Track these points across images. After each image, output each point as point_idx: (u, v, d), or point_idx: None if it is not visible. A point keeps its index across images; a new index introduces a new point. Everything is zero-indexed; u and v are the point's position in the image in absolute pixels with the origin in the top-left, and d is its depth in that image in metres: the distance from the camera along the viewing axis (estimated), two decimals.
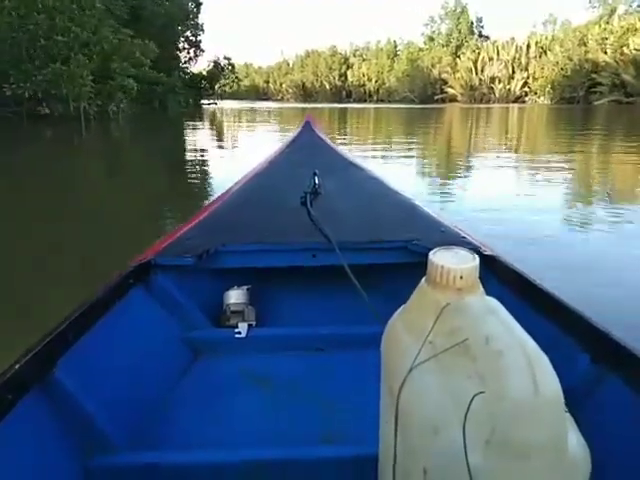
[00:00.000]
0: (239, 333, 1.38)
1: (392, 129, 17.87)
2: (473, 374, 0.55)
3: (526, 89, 55.03)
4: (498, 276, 1.28)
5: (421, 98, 62.19)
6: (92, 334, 1.06)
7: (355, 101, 69.86)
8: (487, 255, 1.37)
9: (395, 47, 73.10)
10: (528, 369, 0.51)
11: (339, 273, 1.35)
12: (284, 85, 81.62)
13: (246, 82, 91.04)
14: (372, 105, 50.13)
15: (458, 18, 65.21)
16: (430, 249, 0.65)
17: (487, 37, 66.94)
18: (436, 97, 61.79)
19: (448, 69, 61.23)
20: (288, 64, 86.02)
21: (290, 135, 2.37)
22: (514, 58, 55.98)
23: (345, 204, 1.72)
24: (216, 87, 40.53)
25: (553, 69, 49.11)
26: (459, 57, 61.51)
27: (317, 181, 1.76)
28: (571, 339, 0.98)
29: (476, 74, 58.53)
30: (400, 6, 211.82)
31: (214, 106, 39.53)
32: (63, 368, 0.94)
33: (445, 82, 61.97)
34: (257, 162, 2.22)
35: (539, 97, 53.05)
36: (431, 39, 68.56)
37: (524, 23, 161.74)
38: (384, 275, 1.56)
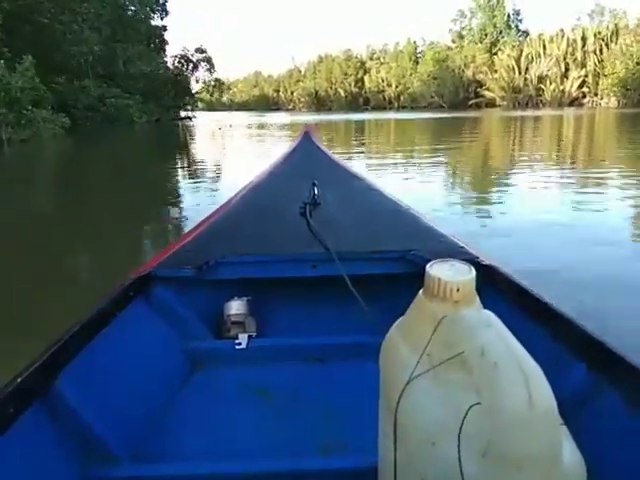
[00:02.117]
0: (239, 344, 1.37)
1: (425, 152, 11.33)
2: (469, 387, 0.56)
3: (584, 89, 45.74)
4: (496, 286, 1.27)
5: (451, 103, 54.08)
6: (93, 346, 1.07)
7: (374, 109, 63.15)
8: (485, 265, 1.37)
9: (416, 48, 65.10)
10: (523, 382, 0.52)
11: (339, 283, 1.35)
12: (295, 94, 77.04)
13: (255, 92, 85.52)
14: (393, 115, 40.28)
15: (493, 11, 56.67)
16: (428, 259, 0.67)
17: (525, 32, 57.92)
18: (470, 102, 52.85)
19: (484, 69, 52.43)
20: (300, 71, 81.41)
21: (289, 146, 2.32)
22: (566, 53, 46.81)
23: (344, 215, 1.71)
24: (190, 94, 35.65)
25: (627, 65, 39.71)
26: (496, 55, 52.58)
27: (316, 192, 1.73)
28: (568, 349, 0.98)
29: (519, 73, 49.68)
30: (419, 4, 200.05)
31: (198, 120, 34.64)
32: (65, 380, 0.94)
33: (481, 84, 53.30)
34: (257, 173, 2.18)
35: (601, 99, 43.73)
36: (460, 36, 60.21)
37: (561, 15, 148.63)
38: (383, 285, 1.51)
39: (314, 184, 1.75)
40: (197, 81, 35.68)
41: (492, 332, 0.58)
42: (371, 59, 71.68)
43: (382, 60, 69.75)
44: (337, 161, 2.16)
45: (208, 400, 1.23)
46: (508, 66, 51.29)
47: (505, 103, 51.27)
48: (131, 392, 1.11)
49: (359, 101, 68.95)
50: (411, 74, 63.63)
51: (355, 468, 0.90)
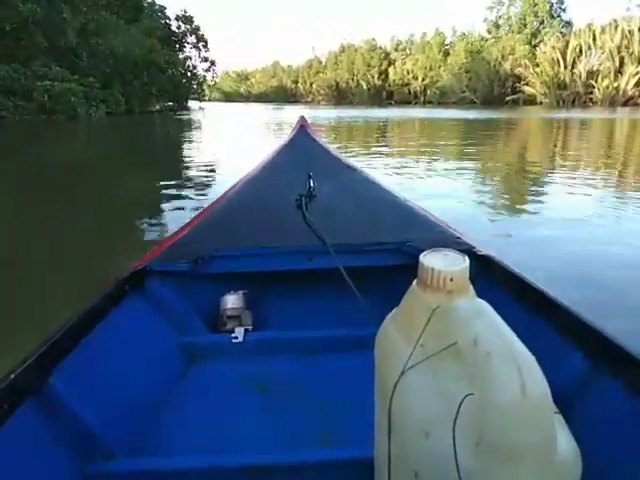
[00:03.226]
0: (236, 338, 1.37)
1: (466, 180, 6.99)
2: (463, 377, 0.56)
3: None
4: (492, 276, 1.27)
5: (484, 99, 49.42)
6: (88, 341, 1.06)
7: (397, 103, 58.71)
8: (481, 255, 1.36)
9: (444, 39, 60.33)
10: (515, 371, 0.51)
11: (335, 276, 1.35)
12: (315, 85, 72.71)
13: (273, 83, 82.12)
14: (420, 112, 32.91)
15: None
16: (423, 250, 0.66)
17: (569, 22, 52.60)
18: (507, 98, 47.91)
19: (524, 62, 47.33)
20: (320, 62, 76.86)
21: (284, 138, 2.25)
22: (620, 46, 41.59)
23: (340, 206, 1.69)
24: (182, 81, 30.14)
25: None
26: (537, 47, 47.48)
27: (312, 184, 1.71)
28: (564, 338, 0.97)
29: (565, 68, 44.52)
30: None
31: (204, 114, 28.37)
32: (60, 376, 0.94)
33: (519, 79, 48.24)
34: (252, 166, 2.12)
35: None
36: (497, 26, 54.94)
37: (606, 5, 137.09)
38: (379, 277, 1.50)
39: (310, 176, 1.72)
40: (187, 66, 29.44)
41: (485, 322, 0.57)
42: (396, 50, 67.81)
43: (408, 52, 65.93)
44: (333, 153, 2.11)
45: (205, 394, 1.24)
46: (552, 59, 46.29)
47: (548, 100, 46.38)
48: (127, 387, 1.11)
49: (382, 94, 65.36)
50: (440, 66, 59.13)
51: (352, 459, 0.90)
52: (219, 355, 1.35)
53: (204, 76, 35.71)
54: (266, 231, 1.59)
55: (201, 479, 0.94)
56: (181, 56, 33.19)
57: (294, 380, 1.26)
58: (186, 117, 26.87)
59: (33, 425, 0.87)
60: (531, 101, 47.94)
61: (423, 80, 61.29)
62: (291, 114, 25.51)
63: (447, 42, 62.38)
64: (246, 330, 1.40)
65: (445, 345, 0.58)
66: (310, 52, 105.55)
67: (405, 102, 60.31)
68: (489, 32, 56.96)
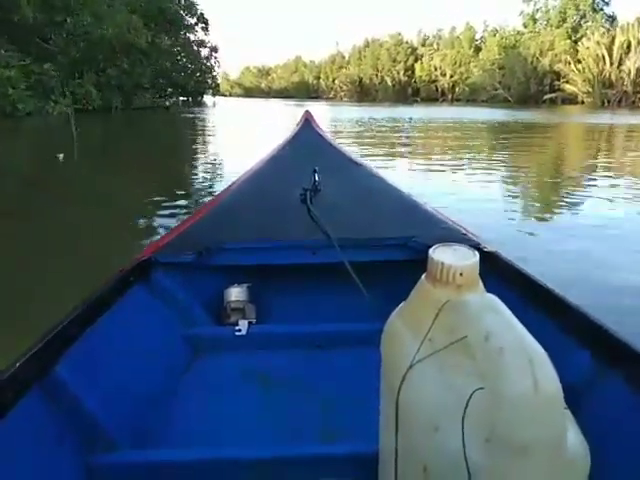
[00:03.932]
0: (239, 330, 1.37)
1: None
2: (472, 371, 0.56)
3: None
4: (498, 273, 1.24)
5: (519, 97, 46.07)
6: (93, 332, 1.06)
7: (423, 100, 55.44)
8: (487, 252, 1.35)
9: (474, 35, 57.42)
10: (528, 366, 0.51)
11: (339, 270, 1.34)
12: (337, 81, 69.83)
13: (295, 78, 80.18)
14: (448, 112, 28.63)
15: None
16: (430, 246, 0.66)
17: (612, 17, 49.01)
18: (545, 97, 44.76)
19: (565, 58, 44.03)
20: (343, 57, 73.73)
21: (290, 132, 2.23)
22: None
23: (345, 201, 1.68)
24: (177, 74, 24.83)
25: None
26: (578, 42, 44.18)
27: (317, 178, 1.69)
28: (571, 336, 0.97)
29: (611, 65, 41.08)
30: None
31: (212, 111, 23.14)
32: (64, 366, 0.94)
33: (559, 76, 44.90)
34: (257, 160, 2.11)
35: None
36: (534, 20, 51.56)
37: None
38: (384, 272, 1.50)
39: (315, 170, 1.70)
40: (181, 54, 24.38)
41: (497, 317, 0.57)
42: (423, 45, 64.35)
43: (435, 47, 62.47)
44: (338, 147, 2.09)
45: (208, 386, 1.24)
46: (597, 55, 42.56)
47: (590, 100, 42.68)
48: (131, 378, 1.11)
49: (408, 91, 61.70)
50: (470, 62, 56.05)
51: (356, 454, 0.90)
52: (222, 348, 1.36)
53: (209, 66, 29.63)
54: (271, 225, 1.58)
55: (203, 471, 0.94)
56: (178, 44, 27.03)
57: (297, 374, 1.26)
58: (190, 116, 21.19)
59: (37, 414, 0.87)
60: (571, 100, 44.40)
61: (451, 77, 57.34)
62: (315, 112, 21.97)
63: (477, 37, 59.33)
64: (250, 323, 1.40)
65: (454, 339, 0.58)
66: (333, 47, 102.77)
67: (432, 99, 57.22)
68: (525, 26, 53.46)
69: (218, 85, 38.18)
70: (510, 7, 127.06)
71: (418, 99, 59.06)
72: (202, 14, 29.93)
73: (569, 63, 44.66)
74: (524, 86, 47.59)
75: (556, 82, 46.14)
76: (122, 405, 1.03)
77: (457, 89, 57.32)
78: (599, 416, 0.78)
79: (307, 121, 2.16)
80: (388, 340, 0.69)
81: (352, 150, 7.68)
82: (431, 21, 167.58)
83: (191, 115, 22.63)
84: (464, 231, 1.53)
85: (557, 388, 0.52)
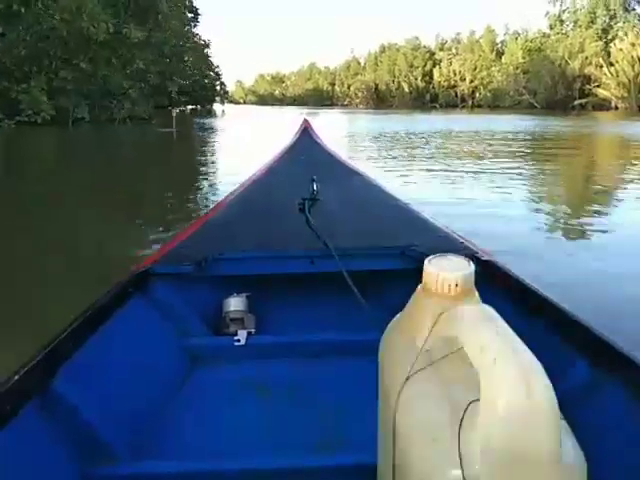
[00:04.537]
0: (238, 341, 1.36)
1: None
2: (469, 382, 0.56)
3: None
4: (496, 281, 1.25)
5: (545, 102, 43.13)
6: (91, 344, 1.06)
7: (442, 107, 53.16)
8: (484, 260, 1.34)
9: (495, 38, 55.09)
10: (522, 377, 0.51)
11: (337, 280, 1.34)
12: (352, 88, 68.05)
13: (309, 85, 78.99)
14: (472, 122, 24.57)
15: None
16: (427, 255, 0.67)
17: None
18: (575, 102, 41.91)
19: (597, 61, 41.19)
20: (358, 63, 72.03)
21: (288, 140, 2.23)
22: None
23: (343, 210, 1.69)
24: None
25: None
26: (609, 43, 41.37)
27: (315, 187, 1.68)
28: (569, 344, 0.97)
29: None
30: None
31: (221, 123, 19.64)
32: (63, 378, 0.94)
33: (589, 80, 42.03)
34: (255, 169, 2.10)
35: None
36: (560, 21, 48.83)
37: None
38: (382, 281, 1.52)
39: (313, 180, 1.69)
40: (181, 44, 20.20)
41: (491, 327, 0.57)
42: (441, 50, 62.79)
43: (454, 51, 60.44)
44: (336, 156, 2.08)
45: (207, 397, 1.23)
46: (632, 57, 39.84)
47: (625, 105, 39.93)
48: (130, 389, 1.10)
49: (425, 97, 60.51)
50: (491, 66, 53.55)
51: (355, 465, 0.90)
52: (221, 358, 1.36)
53: (213, 70, 26.20)
54: (269, 234, 1.59)
55: None
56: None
57: (296, 384, 1.25)
58: (170, 131, 15.53)
59: (36, 426, 0.86)
60: (602, 106, 41.66)
61: (472, 82, 56.34)
62: (329, 126, 17.64)
63: (498, 41, 57.03)
64: (249, 333, 1.40)
65: (450, 350, 0.59)
66: (348, 53, 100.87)
67: (451, 106, 55.78)
68: (551, 27, 50.79)
69: (226, 92, 36.08)
70: (532, 9, 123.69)
71: (437, 105, 57.02)
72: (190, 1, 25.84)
73: (601, 66, 42.18)
74: (551, 91, 45.08)
75: (586, 86, 43.30)
76: (120, 417, 1.02)
77: (478, 95, 55.07)
78: (596, 425, 0.78)
79: (305, 129, 2.15)
80: (386, 351, 0.70)
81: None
82: (449, 25, 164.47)
83: (195, 126, 18.91)
84: (461, 240, 1.53)
85: (552, 398, 0.52)
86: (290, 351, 1.35)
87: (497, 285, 1.21)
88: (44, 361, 0.90)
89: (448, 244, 1.44)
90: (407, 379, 0.61)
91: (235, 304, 1.46)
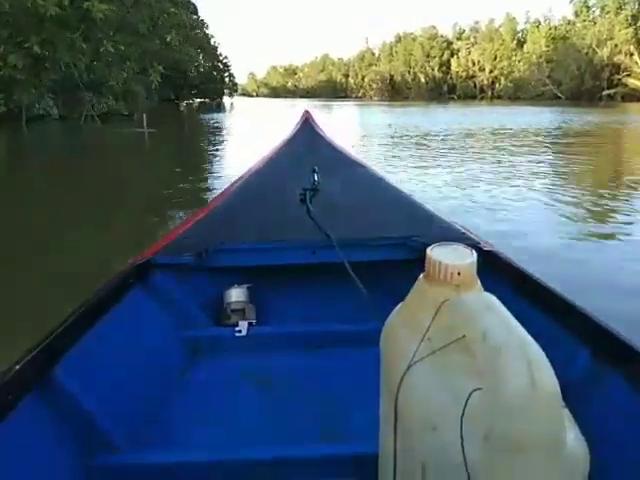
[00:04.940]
0: (239, 331, 1.37)
1: None
2: (471, 371, 0.56)
3: None
4: (497, 271, 1.24)
5: (571, 93, 41.39)
6: (92, 334, 1.06)
7: (460, 98, 51.55)
8: (486, 251, 1.34)
9: (516, 26, 53.06)
10: (525, 365, 0.52)
11: (339, 270, 1.33)
12: (367, 79, 66.60)
13: (322, 77, 77.52)
14: (494, 117, 21.02)
15: None
16: (429, 245, 0.67)
17: None
18: (604, 92, 39.94)
19: (628, 49, 39.15)
20: (373, 53, 70.33)
21: (289, 131, 2.19)
22: None
23: (345, 201, 1.68)
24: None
25: None
26: (639, 30, 39.29)
27: (316, 178, 1.68)
28: (571, 334, 0.97)
29: None
30: None
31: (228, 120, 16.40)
32: (64, 368, 0.94)
33: (619, 69, 40.01)
34: (256, 160, 2.10)
35: None
36: (587, 7, 46.64)
37: None
38: (384, 272, 1.51)
39: (314, 170, 1.69)
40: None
41: (494, 316, 0.57)
42: (459, 39, 60.77)
43: (473, 40, 58.33)
44: (337, 147, 2.06)
45: (208, 387, 1.24)
46: None
47: None
48: (131, 380, 1.10)
49: (442, 89, 58.45)
50: (512, 56, 51.54)
51: (356, 454, 0.91)
52: (222, 349, 1.36)
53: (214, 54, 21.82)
54: (270, 225, 1.59)
55: (203, 473, 0.95)
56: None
57: (297, 374, 1.26)
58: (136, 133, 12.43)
59: (37, 416, 0.87)
60: (632, 96, 39.64)
61: (491, 72, 54.15)
62: (344, 123, 14.77)
63: (519, 29, 54.81)
64: (250, 324, 1.41)
65: (452, 339, 0.58)
66: (362, 44, 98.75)
67: (469, 97, 54.04)
68: (577, 14, 48.54)
69: (236, 85, 34.20)
70: None
71: (454, 96, 55.18)
72: None
73: (631, 54, 39.96)
74: (577, 81, 43.00)
75: (615, 76, 41.23)
76: (121, 407, 1.02)
77: (498, 85, 53.03)
78: (599, 414, 0.79)
79: (306, 120, 2.12)
80: (387, 340, 0.70)
81: None
82: (467, 13, 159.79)
83: (192, 124, 15.80)
84: (463, 230, 1.54)
85: (555, 387, 0.52)
86: (291, 341, 1.36)
87: (499, 274, 1.21)
88: (44, 352, 0.91)
89: (450, 234, 1.45)
90: (409, 368, 0.61)
91: (236, 295, 1.48)
